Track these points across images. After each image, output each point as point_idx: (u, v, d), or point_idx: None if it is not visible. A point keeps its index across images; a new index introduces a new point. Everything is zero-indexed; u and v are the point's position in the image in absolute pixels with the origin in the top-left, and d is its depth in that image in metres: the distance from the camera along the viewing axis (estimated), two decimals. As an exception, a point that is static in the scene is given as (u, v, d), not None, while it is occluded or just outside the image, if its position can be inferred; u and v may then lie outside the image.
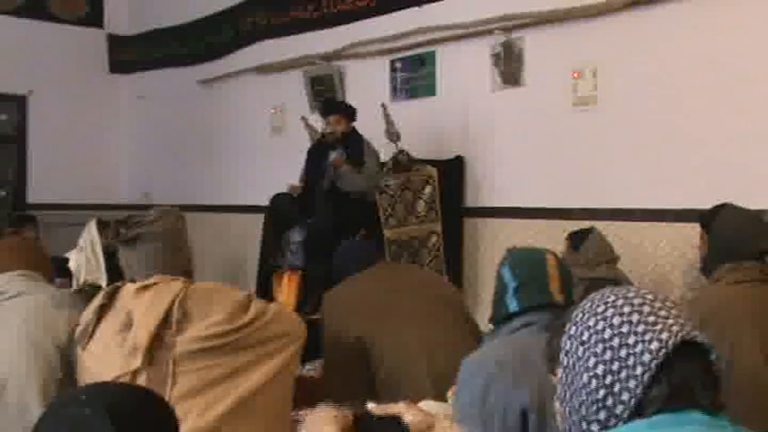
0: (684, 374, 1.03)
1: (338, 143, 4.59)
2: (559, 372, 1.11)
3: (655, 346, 1.02)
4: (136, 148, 7.78)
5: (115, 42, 7.72)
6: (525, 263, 1.93)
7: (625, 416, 1.02)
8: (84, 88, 7.53)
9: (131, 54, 7.62)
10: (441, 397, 2.22)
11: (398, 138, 4.68)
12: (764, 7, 3.58)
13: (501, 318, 1.92)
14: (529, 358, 1.75)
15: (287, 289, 4.56)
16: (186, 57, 7.03)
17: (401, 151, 4.69)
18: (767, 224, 2.80)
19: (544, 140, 4.43)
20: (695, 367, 1.04)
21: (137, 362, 1.99)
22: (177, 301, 2.06)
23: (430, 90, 5.05)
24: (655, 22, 3.94)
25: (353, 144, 4.56)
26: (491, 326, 1.99)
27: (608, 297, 1.09)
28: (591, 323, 1.07)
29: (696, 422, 1.01)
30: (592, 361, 1.05)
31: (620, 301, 1.07)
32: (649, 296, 1.08)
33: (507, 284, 1.90)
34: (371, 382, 2.66)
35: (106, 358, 2.05)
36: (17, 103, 7.25)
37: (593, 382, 1.04)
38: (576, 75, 4.24)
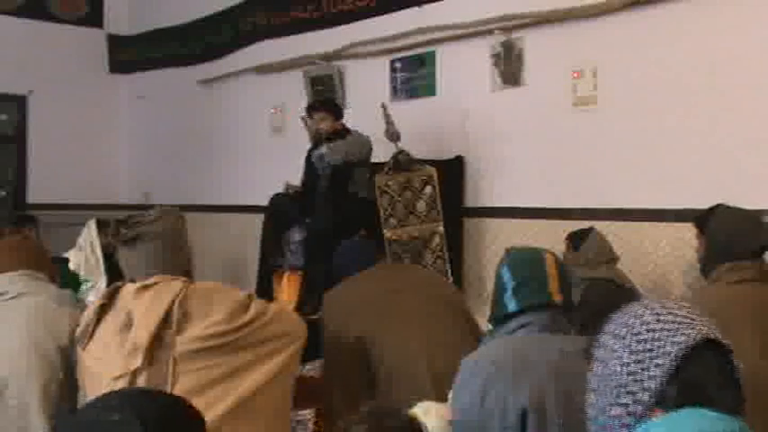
0: (704, 369, 1.11)
1: (328, 141, 4.62)
2: (594, 365, 1.21)
3: (680, 338, 1.11)
4: (136, 148, 7.78)
5: (115, 42, 7.72)
6: (524, 263, 1.93)
7: (649, 402, 1.10)
8: (84, 88, 7.53)
9: (131, 54, 7.62)
10: (441, 397, 2.22)
11: (398, 138, 4.68)
12: (764, 8, 3.58)
13: (499, 318, 1.92)
14: (528, 358, 1.75)
15: (287, 289, 4.56)
16: (186, 57, 7.03)
17: (401, 151, 4.68)
18: (762, 222, 2.81)
19: (544, 140, 4.43)
20: (715, 365, 1.13)
21: (137, 362, 1.99)
22: (177, 300, 2.06)
23: (430, 90, 5.05)
24: (655, 22, 3.94)
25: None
26: (490, 326, 1.99)
27: (645, 301, 1.21)
28: (625, 319, 1.18)
29: (707, 415, 1.08)
30: (622, 351, 1.15)
31: (655, 304, 1.19)
32: (685, 304, 1.19)
33: (506, 284, 1.90)
34: (371, 382, 2.66)
35: (106, 358, 2.05)
36: (17, 103, 7.25)
37: (621, 368, 1.13)
38: (576, 75, 4.24)
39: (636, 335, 1.14)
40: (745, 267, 2.53)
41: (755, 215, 2.78)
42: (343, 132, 4.65)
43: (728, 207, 2.77)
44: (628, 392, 1.12)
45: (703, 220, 2.75)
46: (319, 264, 4.28)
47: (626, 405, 1.12)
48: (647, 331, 1.14)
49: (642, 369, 1.11)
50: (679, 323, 1.13)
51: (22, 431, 2.17)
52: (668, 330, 1.13)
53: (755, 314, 2.40)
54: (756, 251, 2.60)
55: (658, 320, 1.14)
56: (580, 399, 1.73)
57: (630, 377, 1.12)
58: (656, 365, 1.11)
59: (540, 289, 1.88)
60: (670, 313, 1.15)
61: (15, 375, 2.19)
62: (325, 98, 5.20)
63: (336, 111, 4.70)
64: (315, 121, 4.67)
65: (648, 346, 1.12)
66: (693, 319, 1.15)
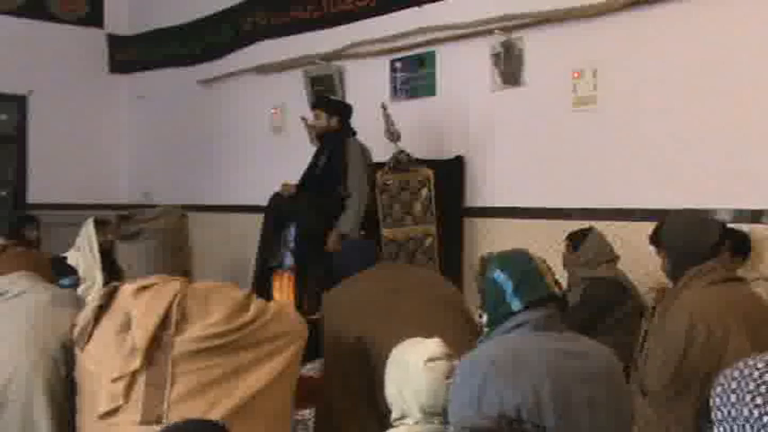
0: None
1: (321, 139, 4.66)
2: (716, 428, 1.16)
3: None
4: (136, 148, 7.78)
5: (115, 42, 7.72)
6: (515, 262, 1.95)
7: None
8: (84, 88, 7.53)
9: (131, 54, 7.63)
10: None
11: (398, 138, 4.68)
12: (764, 7, 3.58)
13: (499, 319, 1.93)
14: (525, 357, 1.76)
15: (284, 288, 4.55)
16: (186, 57, 7.03)
17: (401, 151, 4.68)
18: (710, 219, 2.91)
19: (544, 140, 4.42)
20: None
21: (136, 363, 1.99)
22: (176, 301, 2.05)
23: (430, 90, 5.05)
24: (655, 22, 3.94)
25: (335, 145, 4.57)
26: (485, 328, 1.99)
27: (746, 358, 1.17)
28: (735, 374, 1.14)
29: None
30: (748, 397, 1.11)
31: (758, 355, 1.16)
32: None
33: (503, 286, 1.90)
34: (371, 382, 2.66)
35: (105, 359, 2.04)
36: (17, 103, 7.25)
37: (756, 411, 1.10)
38: (576, 75, 4.24)
39: (755, 380, 1.11)
40: (714, 268, 2.55)
41: (703, 214, 2.82)
42: (338, 134, 4.61)
43: (676, 214, 2.85)
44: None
45: (656, 235, 2.80)
46: (316, 263, 4.29)
47: None
48: (766, 372, 1.11)
49: None
50: None
51: (25, 428, 2.16)
52: None
53: (738, 315, 2.42)
54: (714, 248, 2.62)
55: None
56: (576, 397, 1.74)
57: (759, 421, 1.09)
58: None
59: (540, 284, 1.90)
60: None
61: (18, 372, 2.18)
62: (326, 97, 5.14)
63: (333, 110, 4.66)
64: (315, 118, 4.70)
65: None
66: None
